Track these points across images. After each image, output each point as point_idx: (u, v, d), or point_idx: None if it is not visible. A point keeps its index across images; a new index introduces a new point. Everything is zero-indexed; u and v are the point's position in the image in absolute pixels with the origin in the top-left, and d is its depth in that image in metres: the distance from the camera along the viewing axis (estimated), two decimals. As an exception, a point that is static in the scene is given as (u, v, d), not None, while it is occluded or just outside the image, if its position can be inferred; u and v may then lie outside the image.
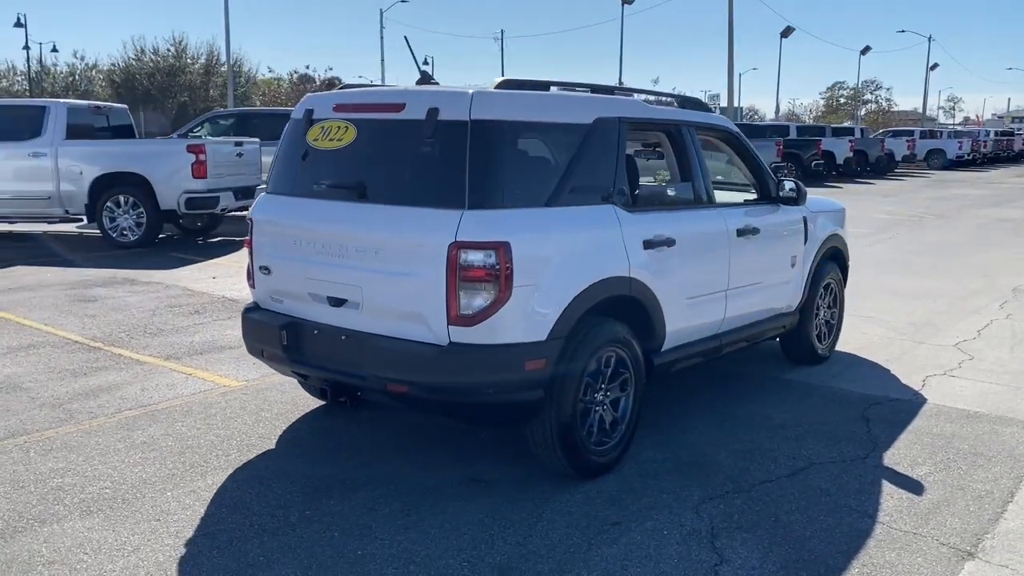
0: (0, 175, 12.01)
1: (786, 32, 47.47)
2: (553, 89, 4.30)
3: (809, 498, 3.98)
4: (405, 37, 4.63)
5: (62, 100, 13.19)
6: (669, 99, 5.17)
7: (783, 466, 4.36)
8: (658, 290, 4.38)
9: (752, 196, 5.66)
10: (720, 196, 5.80)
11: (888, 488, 4.10)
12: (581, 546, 3.52)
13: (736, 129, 5.45)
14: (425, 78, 4.32)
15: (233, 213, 12.91)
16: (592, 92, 4.54)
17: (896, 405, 5.32)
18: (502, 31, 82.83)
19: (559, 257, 3.87)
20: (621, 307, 4.24)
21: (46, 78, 57.78)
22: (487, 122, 3.76)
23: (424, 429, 4.76)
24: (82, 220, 12.41)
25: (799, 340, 6.06)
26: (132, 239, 11.88)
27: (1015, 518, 3.82)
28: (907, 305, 8.37)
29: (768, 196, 5.53)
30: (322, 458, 4.41)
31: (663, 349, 4.55)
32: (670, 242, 4.45)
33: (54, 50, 58.71)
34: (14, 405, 5.19)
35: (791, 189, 5.44)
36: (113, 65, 57.28)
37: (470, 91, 3.83)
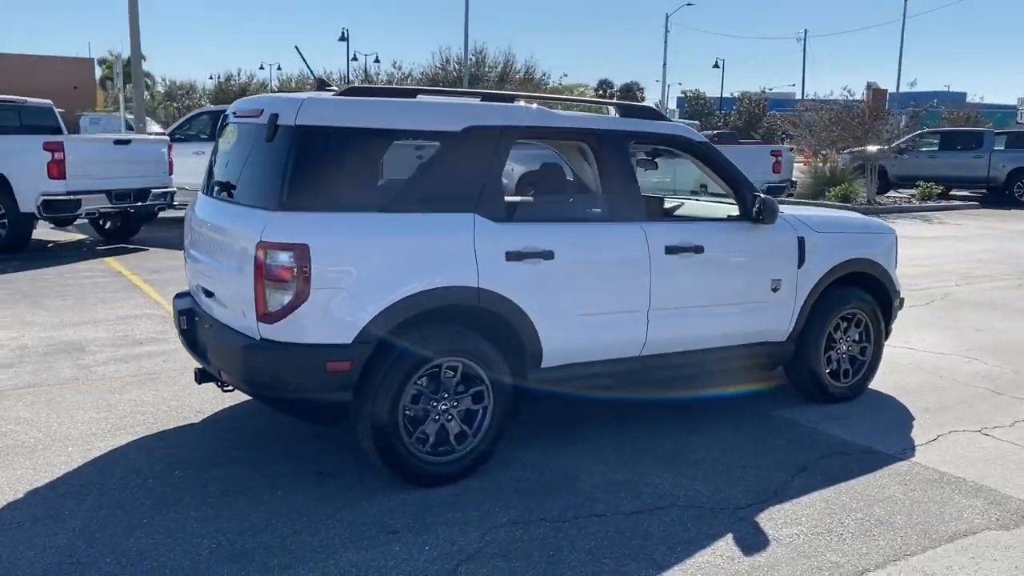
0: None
1: None
2: (420, 97, 4.30)
3: (619, 539, 3.66)
4: (296, 47, 4.85)
5: None
6: (607, 107, 4.90)
7: (639, 503, 4.01)
8: (527, 303, 4.22)
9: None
10: (707, 210, 5.43)
11: (721, 544, 3.65)
12: (334, 547, 3.55)
13: (699, 138, 5.02)
14: (321, 85, 4.51)
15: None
16: (483, 100, 4.46)
17: (863, 459, 4.62)
18: (805, 31, 78.43)
19: (375, 262, 3.90)
20: (473, 318, 4.16)
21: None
22: (311, 127, 3.90)
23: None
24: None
25: (799, 374, 5.44)
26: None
27: (829, 599, 3.25)
28: (1043, 349, 7.07)
29: (747, 213, 5.03)
30: (219, 438, 4.77)
31: (544, 366, 4.38)
32: (548, 255, 4.27)
33: (376, 61, 65.07)
34: (59, 363, 6.14)
35: (757, 206, 4.90)
36: (423, 74, 62.73)
37: (304, 97, 3.99)
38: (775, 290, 5.10)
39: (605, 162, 4.61)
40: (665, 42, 51.29)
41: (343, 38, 52.93)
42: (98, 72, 59.24)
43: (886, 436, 4.97)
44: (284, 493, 4.06)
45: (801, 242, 5.17)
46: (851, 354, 5.59)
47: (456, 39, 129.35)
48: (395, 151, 4.19)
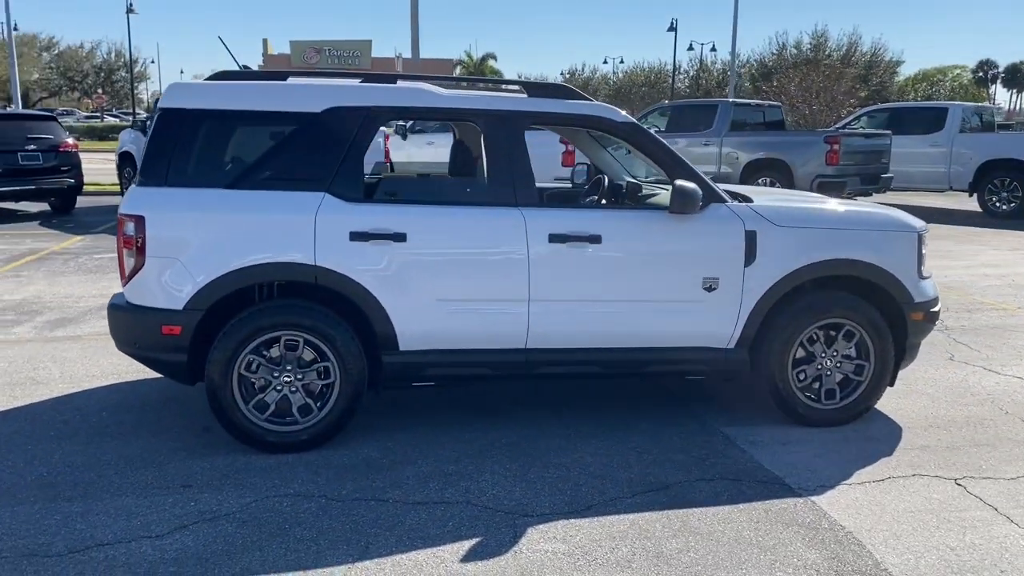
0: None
1: None
2: (292, 80, 4.44)
3: (362, 525, 3.58)
4: (220, 37, 5.14)
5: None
6: (517, 87, 4.64)
7: (437, 496, 3.86)
8: (373, 284, 4.24)
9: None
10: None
11: (455, 546, 3.42)
12: (123, 491, 3.87)
13: (623, 119, 4.55)
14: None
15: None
16: (364, 81, 4.50)
17: (750, 489, 3.97)
18: None
19: (208, 235, 4.16)
20: (318, 295, 4.27)
21: (703, 75, 63.82)
22: (168, 109, 4.27)
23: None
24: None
25: (761, 387, 4.74)
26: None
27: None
28: None
29: (678, 200, 4.50)
30: (170, 389, 5.29)
31: (403, 349, 4.34)
32: (399, 237, 4.23)
33: (713, 50, 64.16)
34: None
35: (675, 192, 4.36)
36: (758, 60, 60.56)
37: (173, 83, 4.36)
38: (710, 289, 4.51)
39: (491, 143, 4.43)
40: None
41: (671, 28, 52.75)
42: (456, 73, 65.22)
43: (820, 469, 4.20)
44: (158, 441, 4.49)
45: (751, 236, 4.51)
46: (842, 372, 4.74)
47: (793, 22, 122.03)
48: (264, 132, 4.40)
